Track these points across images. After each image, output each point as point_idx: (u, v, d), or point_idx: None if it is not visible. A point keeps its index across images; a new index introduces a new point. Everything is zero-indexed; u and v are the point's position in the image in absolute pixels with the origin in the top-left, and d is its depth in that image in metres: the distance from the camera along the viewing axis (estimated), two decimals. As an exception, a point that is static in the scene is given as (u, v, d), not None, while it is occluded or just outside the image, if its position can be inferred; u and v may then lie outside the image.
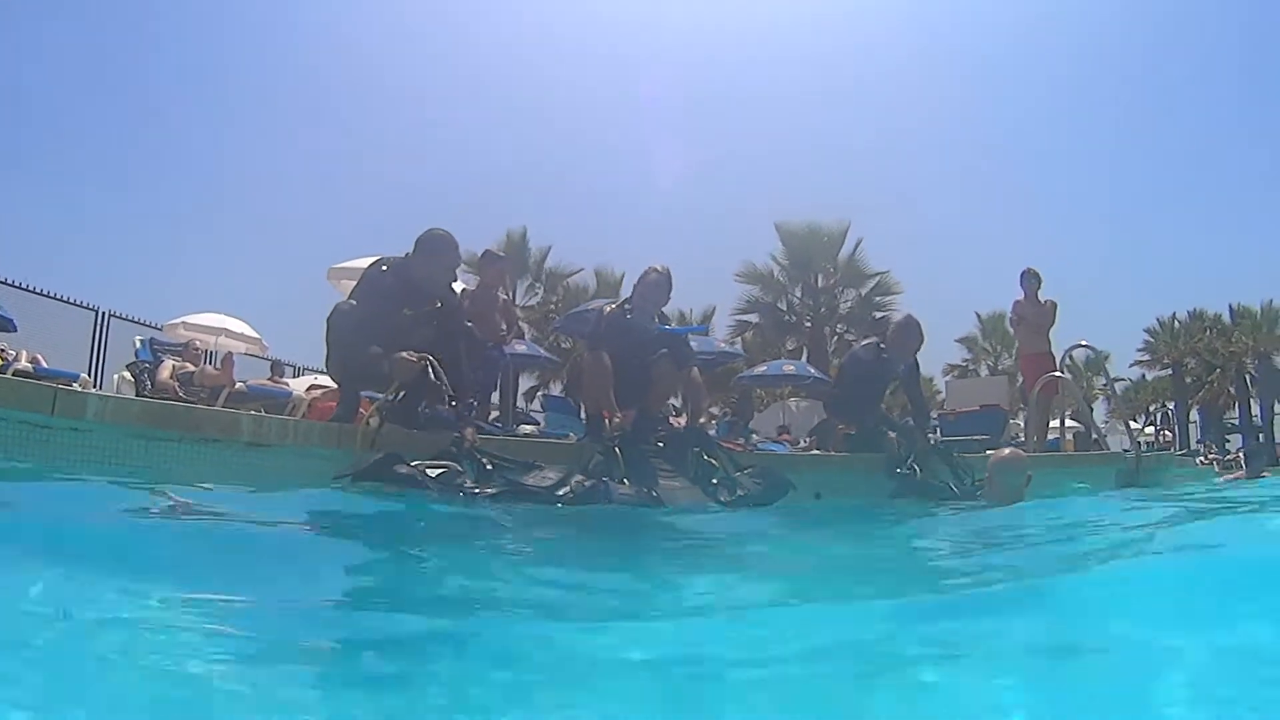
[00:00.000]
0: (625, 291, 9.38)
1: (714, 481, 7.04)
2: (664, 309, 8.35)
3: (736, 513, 6.62)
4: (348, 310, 6.59)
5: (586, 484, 6.23)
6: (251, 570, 3.49)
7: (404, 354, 6.38)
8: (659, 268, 8.18)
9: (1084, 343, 13.05)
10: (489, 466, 6.12)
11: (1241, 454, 14.40)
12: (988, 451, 8.91)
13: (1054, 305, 13.48)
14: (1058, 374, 12.07)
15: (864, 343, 10.26)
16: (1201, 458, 43.67)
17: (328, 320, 6.60)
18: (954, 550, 5.54)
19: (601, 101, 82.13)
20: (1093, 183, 78.44)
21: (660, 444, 7.32)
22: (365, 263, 7.54)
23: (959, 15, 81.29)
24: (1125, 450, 12.79)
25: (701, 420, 8.16)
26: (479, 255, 12.36)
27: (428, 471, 5.69)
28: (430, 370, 6.39)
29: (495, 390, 11.78)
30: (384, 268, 6.77)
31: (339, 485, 5.50)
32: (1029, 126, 79.54)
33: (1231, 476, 11.01)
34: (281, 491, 5.53)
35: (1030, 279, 13.48)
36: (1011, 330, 16.79)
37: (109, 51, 60.46)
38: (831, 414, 10.66)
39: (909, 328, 9.69)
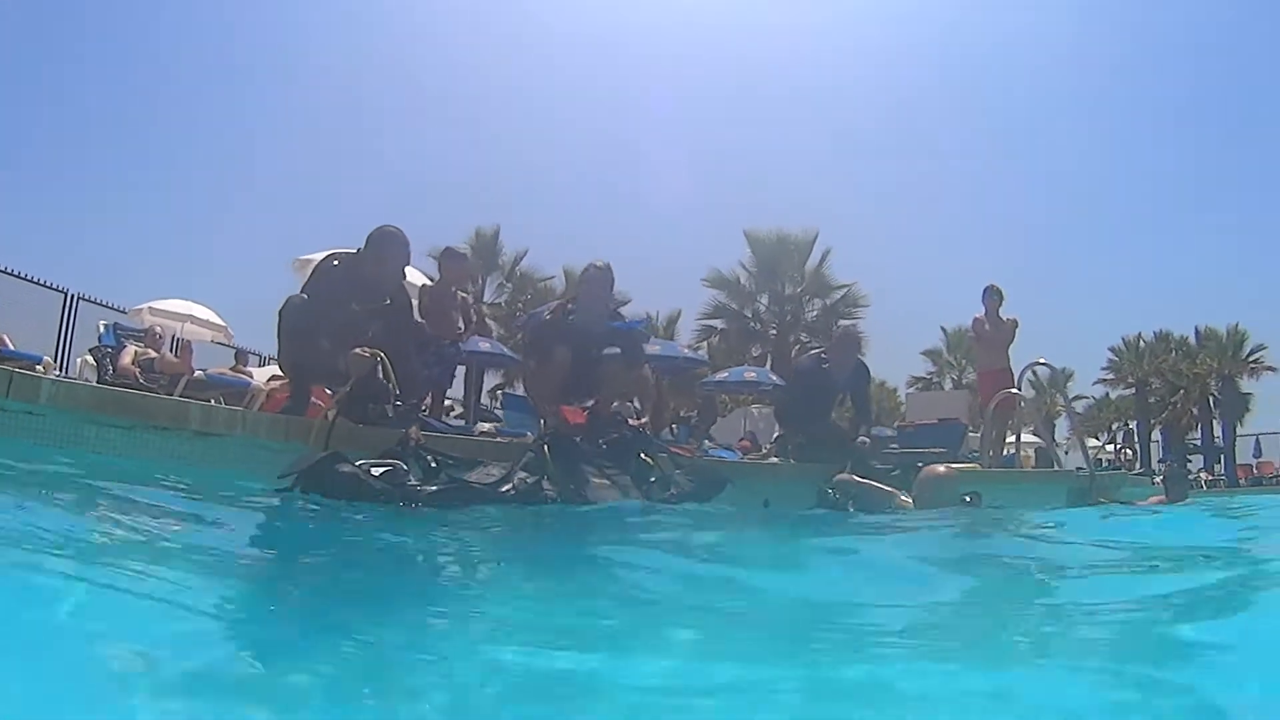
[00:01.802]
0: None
1: (651, 480, 7.12)
2: (623, 308, 8.38)
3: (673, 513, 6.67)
4: (299, 304, 6.65)
5: (529, 481, 6.29)
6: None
7: (357, 350, 6.43)
8: (598, 264, 8.19)
9: (1043, 360, 13.13)
10: (433, 464, 6.17)
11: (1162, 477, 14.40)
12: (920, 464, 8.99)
13: (1014, 323, 13.56)
14: (1014, 390, 12.17)
15: (808, 355, 10.39)
16: (1160, 477, 44.07)
17: (279, 312, 6.65)
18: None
19: (580, 107, 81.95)
20: (1063, 200, 78.77)
21: (605, 445, 7.35)
22: (331, 251, 7.57)
23: (930, 28, 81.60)
24: (1080, 468, 12.91)
25: (643, 420, 8.19)
26: (441, 251, 12.39)
27: (372, 471, 5.72)
28: (380, 367, 6.44)
29: (451, 386, 11.81)
30: (335, 262, 6.83)
31: (283, 485, 5.45)
32: (999, 141, 79.82)
33: (1153, 500, 11.08)
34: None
35: (992, 295, 13.56)
36: (972, 345, 16.94)
37: (86, 32, 59.72)
38: (781, 424, 10.78)
39: (847, 340, 9.96)
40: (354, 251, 6.85)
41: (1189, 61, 75.08)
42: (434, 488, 5.86)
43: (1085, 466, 12.70)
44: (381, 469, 5.77)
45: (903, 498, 7.97)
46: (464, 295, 11.16)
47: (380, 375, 6.49)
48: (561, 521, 6.11)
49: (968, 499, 8.02)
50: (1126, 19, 76.47)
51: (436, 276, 11.86)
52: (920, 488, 7.80)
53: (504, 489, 6.11)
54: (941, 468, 8.14)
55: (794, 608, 3.68)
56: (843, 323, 37.39)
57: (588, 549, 5.36)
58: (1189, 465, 46.94)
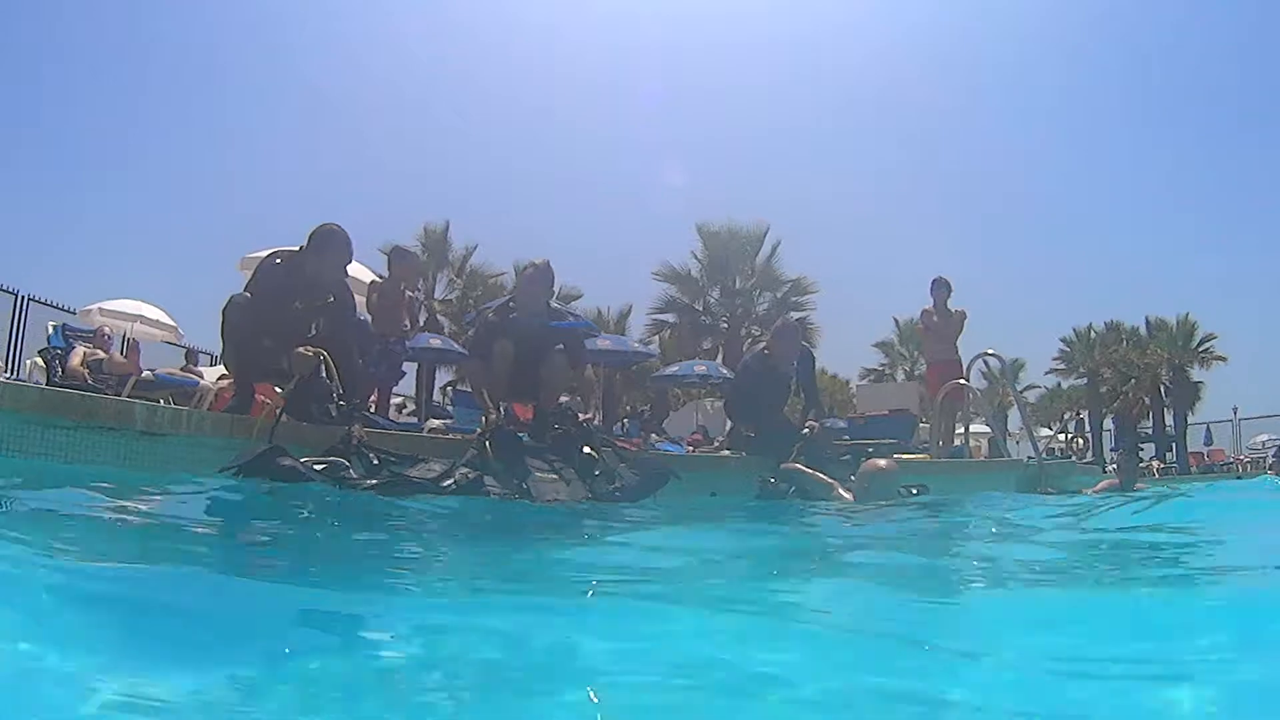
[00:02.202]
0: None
1: (596, 474, 7.17)
2: (575, 303, 8.45)
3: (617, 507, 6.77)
4: (241, 302, 6.67)
5: (470, 476, 6.35)
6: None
7: (300, 349, 6.46)
8: (536, 262, 8.30)
9: (991, 351, 13.21)
10: (376, 462, 6.21)
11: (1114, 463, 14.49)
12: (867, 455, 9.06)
13: (963, 314, 13.67)
14: (962, 381, 12.27)
15: (751, 352, 10.42)
16: (1114, 465, 44.42)
17: (223, 312, 6.69)
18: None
19: (530, 101, 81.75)
20: (1014, 190, 79.45)
21: (550, 440, 7.41)
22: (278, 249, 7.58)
23: (885, 17, 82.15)
24: (1029, 457, 13.03)
25: (588, 416, 8.24)
26: (391, 249, 12.44)
27: (314, 466, 5.77)
28: (324, 366, 6.46)
29: (397, 384, 11.85)
30: (278, 261, 6.87)
31: (226, 475, 5.58)
32: (951, 132, 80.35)
33: (1103, 485, 11.18)
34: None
35: (940, 287, 13.66)
36: (920, 337, 17.07)
37: (31, 28, 59.06)
38: (731, 419, 10.83)
39: (787, 331, 9.91)
40: (296, 250, 6.88)
41: (1144, 54, 75.66)
42: (372, 481, 5.90)
43: (1034, 456, 12.82)
44: (323, 465, 5.83)
45: (842, 490, 8.02)
46: (412, 294, 11.20)
47: (323, 374, 6.51)
48: (503, 515, 6.18)
49: (914, 490, 8.09)
50: (1081, 10, 77.27)
51: (385, 274, 11.87)
52: (861, 481, 7.84)
53: (445, 484, 6.17)
54: (882, 460, 8.09)
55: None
56: (793, 315, 37.51)
57: (525, 540, 5.46)
58: (1141, 453, 47.53)
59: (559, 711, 2.18)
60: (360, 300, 11.73)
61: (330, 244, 6.88)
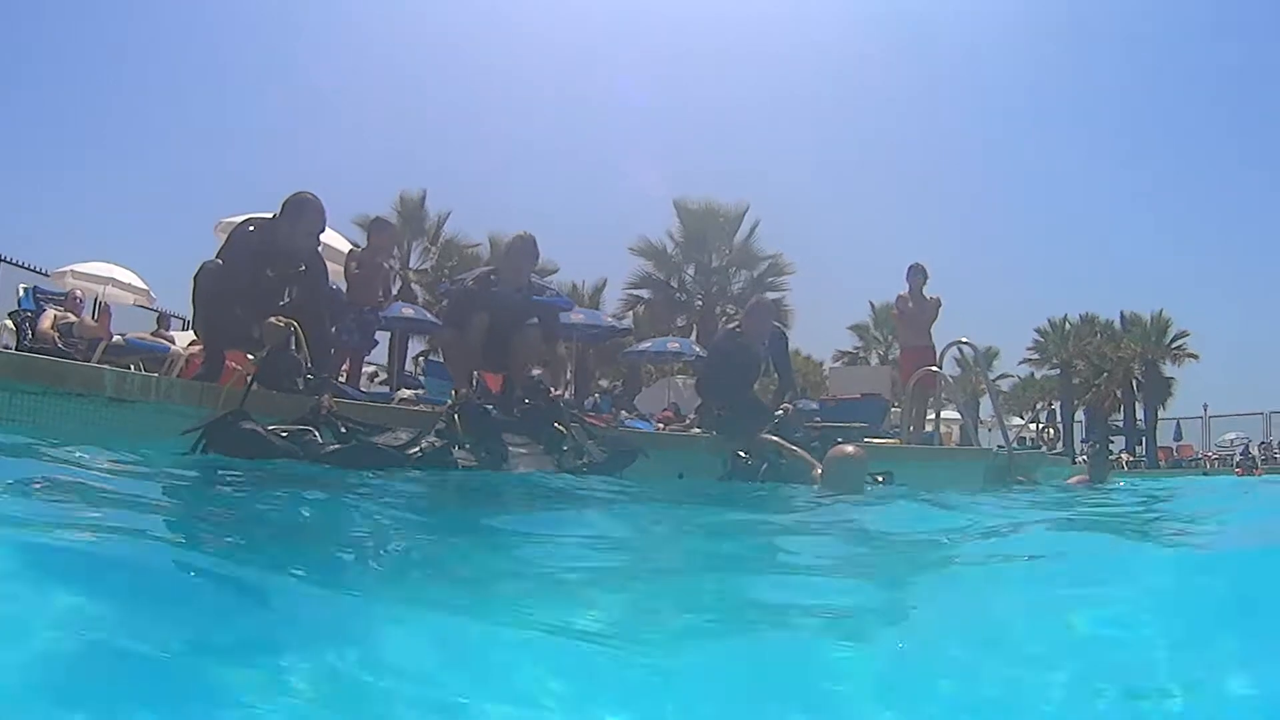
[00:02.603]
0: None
1: (564, 449, 7.19)
2: (550, 277, 8.42)
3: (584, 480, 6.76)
4: (213, 269, 6.64)
5: (437, 445, 6.37)
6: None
7: (272, 319, 6.43)
8: (523, 235, 8.26)
9: (965, 340, 13.27)
10: (344, 431, 6.20)
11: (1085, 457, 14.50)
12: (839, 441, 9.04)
13: (938, 301, 13.68)
14: (934, 368, 12.31)
15: (723, 330, 10.38)
16: (1083, 456, 44.77)
17: (194, 278, 6.65)
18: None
19: (509, 69, 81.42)
20: (996, 178, 79.89)
21: (519, 413, 7.41)
22: (252, 216, 7.55)
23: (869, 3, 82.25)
24: (999, 446, 13.08)
25: (557, 391, 8.22)
26: (371, 220, 12.40)
27: (279, 433, 5.76)
28: (294, 338, 6.44)
29: (370, 352, 11.84)
30: (251, 228, 6.84)
31: (187, 440, 5.58)
32: (933, 117, 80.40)
33: (1075, 480, 11.23)
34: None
35: (916, 273, 13.67)
36: (894, 322, 17.09)
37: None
38: (702, 397, 10.80)
39: (759, 309, 9.87)
40: (270, 217, 6.85)
41: (1126, 50, 75.92)
42: (336, 446, 5.91)
43: (1005, 445, 12.87)
44: (288, 431, 5.83)
45: (818, 472, 7.96)
46: (388, 265, 11.16)
47: (293, 346, 6.48)
48: (472, 488, 6.19)
49: (879, 479, 7.97)
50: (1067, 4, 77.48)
51: (363, 244, 11.83)
52: (827, 466, 7.65)
53: (411, 452, 6.18)
54: (850, 446, 7.90)
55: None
56: (768, 295, 37.57)
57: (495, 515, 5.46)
58: (1111, 446, 47.87)
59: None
60: (335, 269, 11.72)
61: (304, 212, 6.82)
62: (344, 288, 10.49)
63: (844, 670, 2.52)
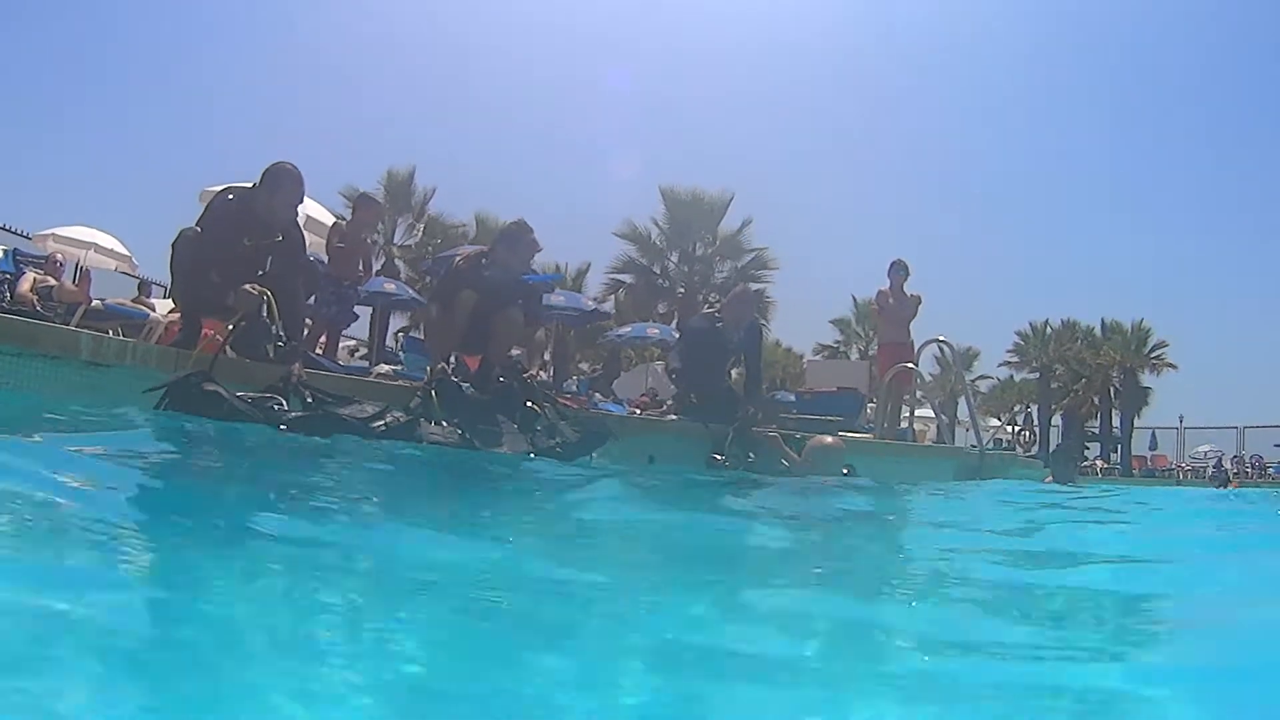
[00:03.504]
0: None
1: (536, 429, 7.23)
2: (537, 262, 8.42)
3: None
4: (191, 237, 6.67)
5: (403, 420, 6.41)
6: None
7: (247, 286, 6.45)
8: (522, 223, 8.29)
9: (942, 338, 13.28)
10: (310, 400, 6.23)
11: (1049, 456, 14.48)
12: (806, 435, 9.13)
13: (918, 299, 13.71)
14: (910, 365, 12.35)
15: (700, 314, 10.33)
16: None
17: (173, 245, 6.68)
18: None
19: (499, 51, 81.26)
20: (984, 179, 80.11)
21: (493, 392, 7.44)
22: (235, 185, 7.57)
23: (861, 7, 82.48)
24: (973, 446, 13.10)
25: (531, 372, 8.24)
26: (357, 194, 12.39)
27: (245, 399, 5.80)
28: (266, 307, 6.45)
29: (348, 326, 11.84)
30: (230, 197, 6.84)
31: (150, 400, 5.64)
32: (924, 117, 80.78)
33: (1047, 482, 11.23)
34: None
35: (898, 270, 13.69)
36: (874, 318, 17.19)
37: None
38: (674, 383, 10.78)
39: (742, 299, 9.86)
40: (249, 187, 6.86)
41: (1117, 57, 76.33)
42: (298, 414, 5.96)
43: (977, 445, 12.91)
44: (255, 399, 5.87)
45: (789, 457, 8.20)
46: (371, 240, 11.15)
47: (265, 314, 6.49)
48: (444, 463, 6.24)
49: (844, 471, 8.21)
50: (1060, 6, 77.62)
51: (348, 216, 11.82)
52: (809, 454, 7.98)
53: (375, 425, 6.22)
54: (829, 438, 8.29)
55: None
56: (752, 286, 37.66)
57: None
58: (1085, 453, 48.10)
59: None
60: (317, 240, 11.72)
61: (282, 183, 6.83)
62: (325, 260, 10.50)
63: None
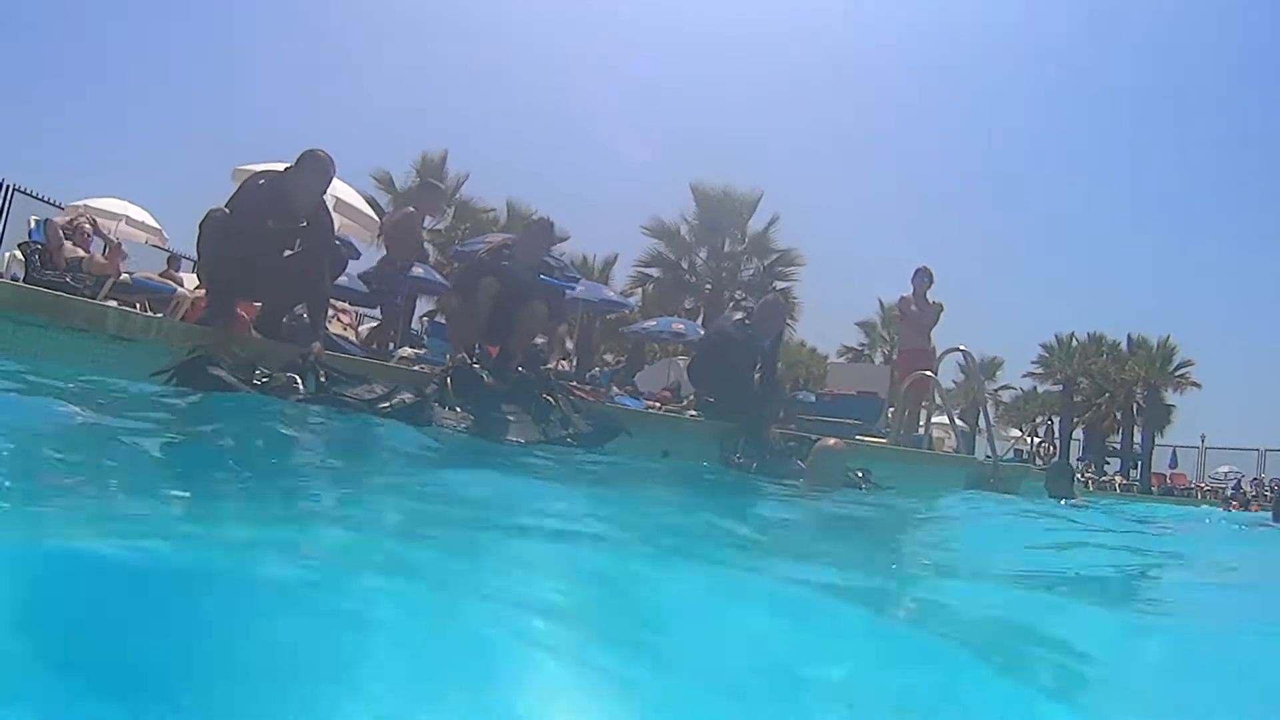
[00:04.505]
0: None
1: (550, 419, 7.38)
2: (564, 252, 8.57)
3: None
4: (220, 217, 6.81)
5: (409, 401, 6.57)
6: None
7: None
8: (544, 217, 8.44)
9: (962, 347, 13.30)
10: (323, 378, 6.40)
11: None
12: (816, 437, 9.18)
13: (940, 306, 13.72)
14: (928, 372, 12.37)
15: (731, 318, 10.31)
16: (1078, 475, 44.89)
17: (200, 225, 6.80)
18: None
19: (538, 38, 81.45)
20: (1014, 191, 79.65)
21: (510, 381, 7.56)
22: (270, 166, 7.69)
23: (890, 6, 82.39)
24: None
25: (548, 366, 8.35)
26: (419, 182, 12.46)
27: (255, 379, 5.94)
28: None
29: (413, 313, 12.05)
30: (261, 180, 6.99)
31: (157, 380, 5.81)
32: (956, 128, 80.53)
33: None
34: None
35: (922, 276, 13.71)
36: (895, 324, 17.23)
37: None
38: (693, 382, 10.83)
39: (775, 307, 9.89)
40: (281, 170, 7.00)
41: (1153, 67, 75.93)
42: (301, 396, 6.10)
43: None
44: (264, 378, 6.05)
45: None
46: (428, 229, 11.26)
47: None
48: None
49: (858, 474, 8.41)
50: (1091, 13, 77.28)
51: (378, 199, 11.96)
52: (812, 456, 8.04)
53: (381, 406, 6.37)
54: (832, 440, 8.31)
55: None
56: (778, 285, 37.81)
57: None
58: (1105, 468, 47.99)
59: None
60: (348, 224, 11.86)
61: (309, 168, 6.98)
62: (354, 241, 10.61)
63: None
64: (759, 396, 9.61)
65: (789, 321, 39.96)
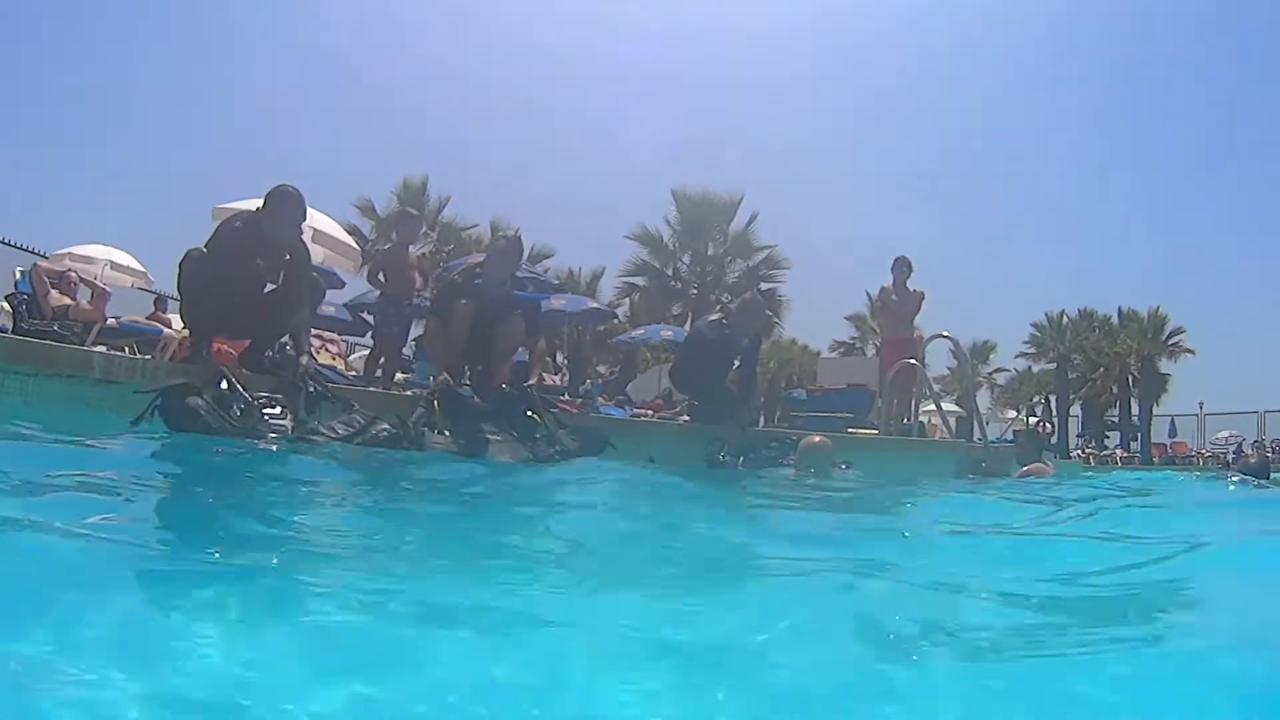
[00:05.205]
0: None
1: (537, 436, 7.50)
2: (549, 268, 8.70)
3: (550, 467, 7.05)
4: (198, 257, 6.95)
5: (390, 431, 6.60)
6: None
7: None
8: (508, 233, 8.59)
9: (946, 334, 13.41)
10: (313, 390, 6.65)
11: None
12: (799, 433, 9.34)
13: (921, 294, 13.83)
14: (912, 360, 12.46)
15: (708, 320, 10.44)
16: (1078, 451, 45.05)
17: (180, 266, 6.93)
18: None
19: (510, 57, 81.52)
20: (995, 171, 79.87)
21: (493, 401, 7.69)
22: (249, 204, 7.90)
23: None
24: (978, 439, 13.21)
25: (530, 382, 8.44)
26: (395, 212, 12.61)
27: (229, 409, 6.02)
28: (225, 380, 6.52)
29: (406, 343, 12.22)
30: (237, 224, 7.25)
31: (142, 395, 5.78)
32: (933, 108, 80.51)
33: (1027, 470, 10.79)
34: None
35: (901, 266, 13.82)
36: (876, 314, 17.31)
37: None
38: (675, 385, 10.96)
39: (752, 305, 9.98)
40: (253, 211, 7.27)
41: (1128, 44, 76.10)
42: (274, 434, 6.12)
43: (981, 438, 13.03)
44: (242, 406, 6.10)
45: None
46: (420, 254, 11.41)
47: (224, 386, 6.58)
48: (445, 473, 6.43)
49: (843, 466, 8.57)
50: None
51: (360, 227, 12.12)
52: (800, 452, 8.27)
53: (356, 441, 6.39)
54: (818, 436, 8.57)
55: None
56: (763, 286, 37.94)
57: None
58: (1106, 441, 48.16)
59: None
60: (330, 255, 12.02)
61: (285, 204, 7.19)
62: (335, 271, 10.76)
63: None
64: (736, 396, 9.76)
65: (776, 321, 40.28)
